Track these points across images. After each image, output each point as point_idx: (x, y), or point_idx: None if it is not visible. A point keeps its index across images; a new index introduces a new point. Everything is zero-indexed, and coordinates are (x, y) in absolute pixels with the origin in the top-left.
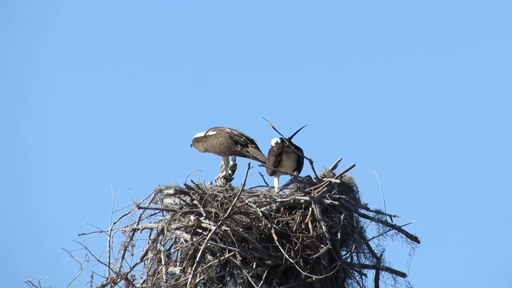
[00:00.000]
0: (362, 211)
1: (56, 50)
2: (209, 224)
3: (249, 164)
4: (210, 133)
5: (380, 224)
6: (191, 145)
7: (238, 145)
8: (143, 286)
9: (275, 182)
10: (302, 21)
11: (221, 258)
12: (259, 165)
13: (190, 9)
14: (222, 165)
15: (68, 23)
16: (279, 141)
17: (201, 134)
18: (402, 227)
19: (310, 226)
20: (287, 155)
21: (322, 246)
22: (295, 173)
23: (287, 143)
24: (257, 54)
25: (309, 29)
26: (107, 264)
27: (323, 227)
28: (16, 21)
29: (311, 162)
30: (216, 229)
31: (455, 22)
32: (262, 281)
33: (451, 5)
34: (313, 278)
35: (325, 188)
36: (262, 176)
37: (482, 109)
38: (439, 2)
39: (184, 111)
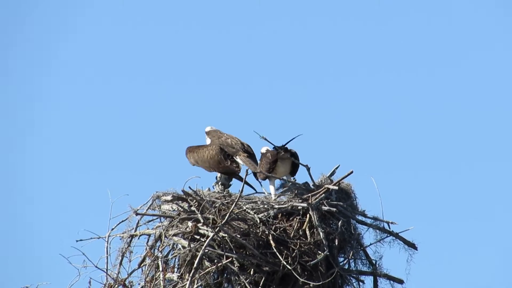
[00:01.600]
0: (360, 217)
1: (56, 56)
2: (207, 231)
3: (247, 170)
4: (208, 140)
5: (377, 230)
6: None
7: (227, 160)
8: None
9: (271, 188)
10: (296, 30)
11: (219, 265)
12: (249, 174)
13: (190, 18)
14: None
15: (67, 30)
16: (270, 148)
17: (209, 128)
18: (399, 234)
19: (307, 232)
20: (282, 161)
21: (320, 252)
22: (292, 179)
23: (282, 152)
24: (254, 63)
25: (305, 37)
26: (105, 270)
27: (321, 233)
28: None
29: (308, 169)
30: (213, 235)
31: (465, 31)
32: None
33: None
34: (311, 285)
35: (323, 194)
36: (250, 185)
37: (479, 119)
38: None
39: (182, 117)
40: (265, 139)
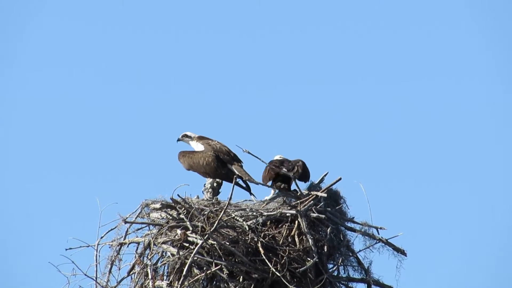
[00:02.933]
0: (349, 224)
1: (46, 57)
2: (196, 238)
3: (235, 178)
4: (199, 146)
5: (366, 237)
6: (178, 140)
7: (225, 167)
8: None
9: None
10: (295, 35)
11: (208, 272)
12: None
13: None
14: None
15: (50, 27)
16: (281, 157)
17: (190, 133)
18: (388, 240)
19: (296, 239)
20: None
21: (309, 259)
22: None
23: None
24: (252, 66)
25: (296, 43)
26: (94, 279)
27: (310, 240)
28: None
29: (294, 179)
30: (202, 243)
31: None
32: None
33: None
34: None
35: (312, 201)
36: (243, 187)
37: (467, 125)
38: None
39: (171, 125)
40: (249, 152)
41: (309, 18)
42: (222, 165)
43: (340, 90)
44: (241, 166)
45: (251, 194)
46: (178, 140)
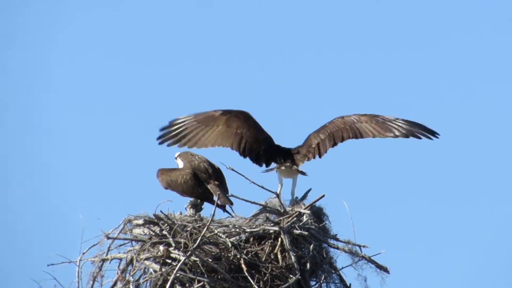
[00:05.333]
0: (332, 241)
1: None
2: (178, 255)
3: (219, 194)
4: (180, 163)
5: (349, 254)
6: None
7: (201, 186)
8: None
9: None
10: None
11: None
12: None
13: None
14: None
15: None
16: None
17: (176, 157)
18: (371, 258)
19: (279, 256)
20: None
21: (291, 276)
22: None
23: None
24: (250, 64)
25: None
26: None
27: (292, 257)
28: None
29: (278, 195)
30: (185, 259)
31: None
32: None
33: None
34: None
35: (295, 218)
36: (223, 209)
37: (449, 146)
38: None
39: (153, 139)
40: (232, 169)
41: (309, 17)
42: (199, 184)
43: (322, 100)
44: (217, 185)
45: (224, 211)
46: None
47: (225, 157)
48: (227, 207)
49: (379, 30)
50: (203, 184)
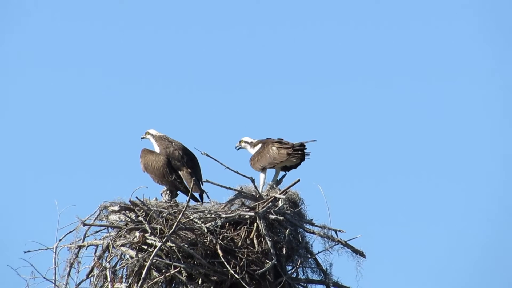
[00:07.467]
0: (308, 226)
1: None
2: (155, 241)
3: (193, 179)
4: (156, 147)
5: (325, 239)
6: (141, 138)
7: (172, 174)
8: None
9: (261, 178)
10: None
11: (167, 275)
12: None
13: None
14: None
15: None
16: (249, 139)
17: (154, 132)
18: (347, 242)
19: (255, 241)
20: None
21: (268, 261)
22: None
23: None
24: (249, 66)
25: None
26: (53, 281)
27: (268, 242)
28: None
29: (253, 181)
30: (161, 245)
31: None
32: None
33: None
34: None
35: (270, 203)
36: (195, 198)
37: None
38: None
39: (131, 126)
40: (207, 155)
41: (308, 18)
42: (170, 171)
43: (300, 91)
44: (189, 173)
45: (195, 200)
46: (142, 138)
47: (201, 143)
48: (199, 195)
49: None
50: (176, 171)
